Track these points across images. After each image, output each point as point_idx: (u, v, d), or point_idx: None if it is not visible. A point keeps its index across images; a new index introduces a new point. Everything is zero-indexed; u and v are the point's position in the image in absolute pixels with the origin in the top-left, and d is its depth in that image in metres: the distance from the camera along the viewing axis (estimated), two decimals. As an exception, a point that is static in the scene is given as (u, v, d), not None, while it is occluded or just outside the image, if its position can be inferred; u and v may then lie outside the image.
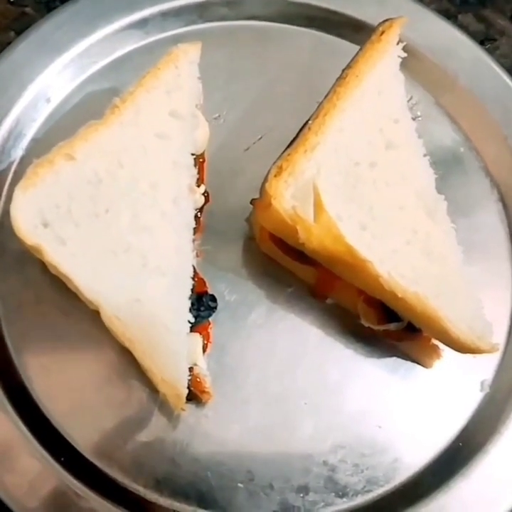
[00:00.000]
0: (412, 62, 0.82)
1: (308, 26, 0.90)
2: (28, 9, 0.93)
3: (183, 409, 0.65)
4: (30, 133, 0.83)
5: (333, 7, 0.89)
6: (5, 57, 0.83)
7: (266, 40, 0.89)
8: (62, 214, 0.68)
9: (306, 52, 0.89)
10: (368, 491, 0.70)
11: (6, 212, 0.72)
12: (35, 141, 0.82)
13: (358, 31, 0.87)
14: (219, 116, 0.84)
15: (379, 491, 0.71)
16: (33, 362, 0.73)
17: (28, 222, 0.67)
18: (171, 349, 0.64)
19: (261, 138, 0.84)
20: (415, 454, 0.72)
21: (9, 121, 0.82)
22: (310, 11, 0.90)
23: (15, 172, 0.80)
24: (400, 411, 0.74)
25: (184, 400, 0.64)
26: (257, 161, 0.80)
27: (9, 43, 0.85)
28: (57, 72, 0.85)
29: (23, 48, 0.84)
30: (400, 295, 0.65)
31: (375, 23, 0.82)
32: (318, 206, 0.67)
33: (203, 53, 0.79)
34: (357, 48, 0.80)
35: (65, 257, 0.66)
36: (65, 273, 0.66)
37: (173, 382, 0.63)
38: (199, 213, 0.75)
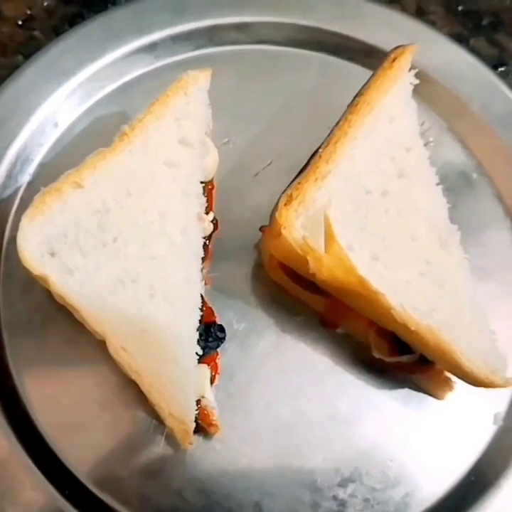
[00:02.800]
0: (424, 87, 0.81)
1: (319, 50, 0.89)
2: (36, 33, 0.93)
3: (190, 444, 0.64)
4: (37, 158, 0.82)
5: (344, 32, 0.89)
6: (13, 81, 0.83)
7: (276, 64, 0.89)
8: (69, 243, 0.67)
9: (316, 76, 0.88)
10: (378, 529, 0.69)
11: (13, 238, 0.72)
12: (42, 166, 0.82)
13: (369, 56, 0.87)
14: (228, 141, 0.84)
15: (390, 528, 0.69)
16: (36, 390, 0.72)
17: (35, 251, 0.66)
18: (179, 382, 0.63)
19: (270, 163, 0.83)
20: (427, 488, 0.71)
21: (17, 146, 0.81)
22: (321, 35, 0.89)
23: (22, 198, 0.80)
24: (411, 444, 0.72)
25: (192, 435, 0.63)
26: (266, 187, 0.80)
27: (17, 67, 0.85)
28: (65, 96, 0.84)
29: (31, 71, 0.84)
30: (412, 328, 0.64)
31: (386, 48, 0.81)
32: (329, 236, 0.66)
33: (212, 77, 0.78)
34: (368, 72, 0.79)
35: (72, 287, 0.66)
36: (72, 303, 0.65)
37: (181, 416, 0.62)
38: (207, 241, 0.74)
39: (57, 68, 0.84)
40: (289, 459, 0.71)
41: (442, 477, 0.71)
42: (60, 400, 0.71)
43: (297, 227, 0.68)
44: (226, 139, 0.83)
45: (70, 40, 0.86)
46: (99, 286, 0.66)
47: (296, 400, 0.73)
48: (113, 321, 0.65)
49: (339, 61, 0.89)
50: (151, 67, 0.87)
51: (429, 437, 0.73)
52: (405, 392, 0.74)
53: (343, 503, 0.69)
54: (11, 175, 0.80)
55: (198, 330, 0.66)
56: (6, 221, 0.79)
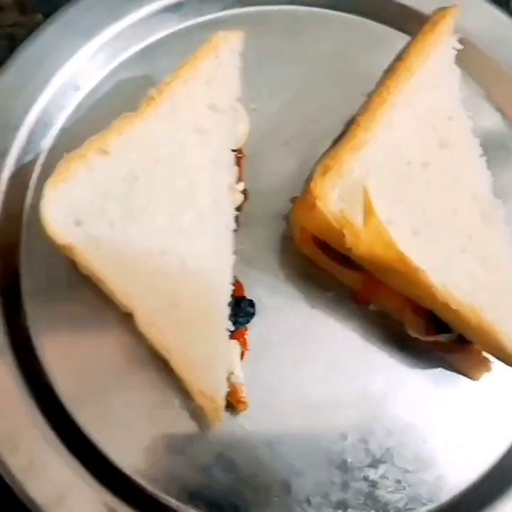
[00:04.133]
0: (462, 53, 0.77)
1: (353, 13, 0.85)
2: (56, -10, 0.88)
3: (220, 422, 0.61)
4: (58, 122, 0.79)
5: (381, -7, 0.84)
6: (32, 42, 0.79)
7: (308, 26, 0.84)
8: (95, 212, 0.64)
9: (351, 40, 0.84)
10: (410, 510, 0.67)
11: (34, 206, 0.70)
12: (64, 131, 0.78)
13: (405, 19, 0.82)
14: (256, 107, 0.79)
15: (421, 510, 0.67)
16: (57, 360, 0.70)
17: (59, 220, 0.63)
18: (209, 359, 0.61)
19: (301, 130, 0.79)
20: (461, 472, 0.69)
21: (36, 109, 0.78)
22: (356, -4, 0.84)
23: (43, 164, 0.77)
24: (445, 425, 0.70)
25: (222, 412, 0.61)
26: (297, 155, 0.77)
27: (36, 26, 0.81)
28: (86, 58, 0.80)
29: (51, 32, 0.80)
30: (454, 307, 0.61)
31: (424, 11, 0.77)
32: (367, 209, 0.63)
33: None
34: (404, 36, 0.76)
35: (98, 258, 0.63)
36: (98, 275, 0.62)
37: (211, 394, 0.60)
38: (237, 212, 0.71)
39: (79, 28, 0.80)
40: (319, 438, 0.69)
41: (477, 460, 0.69)
42: (82, 371, 0.69)
43: (333, 199, 0.64)
44: (254, 106, 0.79)
45: (92, -2, 0.81)
46: (127, 258, 0.63)
47: (326, 377, 0.71)
48: (141, 295, 0.62)
49: (375, 24, 0.85)
50: (177, 27, 0.83)
51: (463, 419, 0.70)
52: (439, 372, 0.71)
53: (373, 484, 0.68)
54: (31, 140, 0.77)
55: (229, 305, 0.63)
56: (27, 188, 0.76)
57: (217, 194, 0.66)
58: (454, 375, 0.71)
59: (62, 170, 0.64)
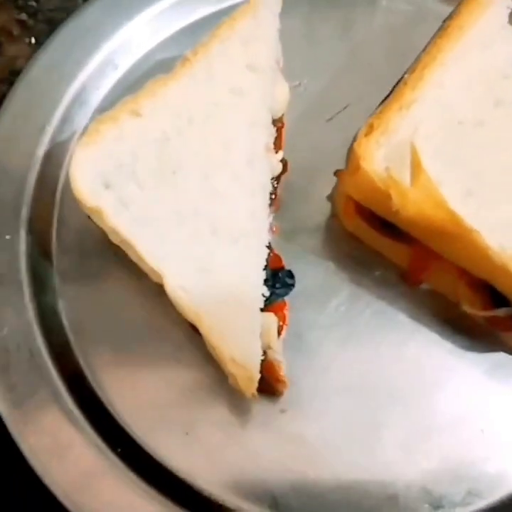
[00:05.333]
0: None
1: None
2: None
3: (254, 396, 0.56)
4: (95, 101, 0.77)
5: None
6: (71, 22, 0.78)
7: (356, 2, 0.81)
8: (125, 175, 0.61)
9: (397, 16, 0.80)
10: (468, 504, 0.60)
11: (67, 184, 0.67)
12: (100, 109, 0.76)
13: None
14: (299, 84, 0.76)
15: (480, 505, 0.60)
16: (89, 340, 0.66)
17: (89, 182, 0.61)
18: (243, 325, 0.56)
19: (346, 108, 0.76)
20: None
21: (74, 87, 0.76)
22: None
23: (78, 143, 0.74)
24: (505, 415, 0.63)
25: (256, 383, 0.56)
26: (340, 133, 0.72)
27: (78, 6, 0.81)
28: (125, 37, 0.79)
29: (91, 12, 0.79)
30: (513, 270, 0.55)
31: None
32: (415, 168, 0.59)
33: (283, 16, 0.71)
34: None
35: (127, 221, 0.60)
36: (127, 239, 0.59)
37: (245, 362, 0.55)
38: (276, 182, 0.67)
39: (118, 8, 0.79)
40: (366, 427, 0.63)
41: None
42: (114, 349, 0.66)
43: (378, 159, 0.60)
44: (297, 82, 0.76)
45: (133, -21, 0.80)
46: (157, 221, 0.60)
47: (372, 362, 0.65)
48: (171, 258, 0.59)
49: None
50: (219, 7, 0.81)
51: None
52: (498, 356, 0.65)
53: (428, 476, 0.61)
54: (67, 118, 0.75)
55: (264, 269, 0.59)
56: (61, 167, 0.74)
57: (253, 155, 0.62)
58: (515, 360, 0.65)
59: (93, 131, 0.62)
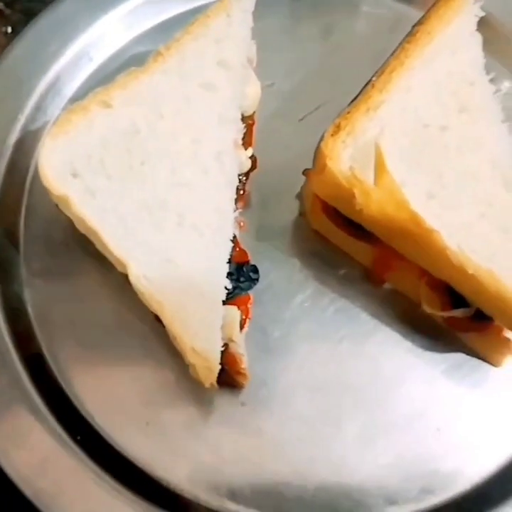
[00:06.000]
0: (483, 19, 0.72)
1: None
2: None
3: (213, 386, 0.57)
4: (69, 92, 0.78)
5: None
6: (50, 11, 0.79)
7: (328, 4, 0.83)
8: (93, 164, 0.62)
9: (371, 19, 0.82)
10: (421, 500, 0.61)
11: (37, 174, 0.67)
12: (73, 100, 0.75)
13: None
14: (273, 83, 0.78)
15: (434, 501, 0.61)
16: (52, 329, 0.67)
17: (57, 170, 0.62)
18: (205, 316, 0.57)
19: (318, 108, 0.77)
20: (477, 464, 0.63)
21: (49, 77, 0.77)
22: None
23: (49, 132, 0.75)
24: (462, 414, 0.64)
25: (215, 373, 0.56)
26: (311, 133, 0.72)
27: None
28: (102, 30, 0.80)
29: (69, 3, 0.80)
30: (470, 271, 0.57)
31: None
32: (380, 168, 0.60)
33: (259, 16, 0.72)
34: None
35: (93, 210, 0.61)
36: (93, 227, 0.60)
37: (205, 352, 0.56)
38: (245, 178, 0.68)
39: (96, 1, 0.80)
40: (324, 421, 0.64)
41: (495, 452, 0.63)
42: (79, 340, 0.66)
43: (344, 159, 0.61)
44: (271, 82, 0.77)
45: (111, -28, 0.81)
46: (123, 211, 0.61)
47: (334, 358, 0.66)
48: (135, 248, 0.59)
49: (397, 4, 0.82)
50: (192, 5, 0.82)
51: (481, 407, 0.65)
52: (457, 356, 0.66)
53: (383, 472, 0.62)
54: (40, 108, 0.76)
55: (228, 262, 0.60)
56: (31, 156, 0.74)
57: (222, 150, 0.63)
58: (474, 360, 0.66)
59: (63, 121, 0.63)
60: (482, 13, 0.69)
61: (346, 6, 0.83)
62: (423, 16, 0.69)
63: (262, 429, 0.63)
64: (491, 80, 0.66)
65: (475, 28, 0.69)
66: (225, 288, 0.59)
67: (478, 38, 0.68)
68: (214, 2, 0.75)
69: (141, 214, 0.60)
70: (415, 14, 0.78)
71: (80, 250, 0.68)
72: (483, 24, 0.70)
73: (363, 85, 0.68)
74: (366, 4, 0.83)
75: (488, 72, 0.67)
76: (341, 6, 0.83)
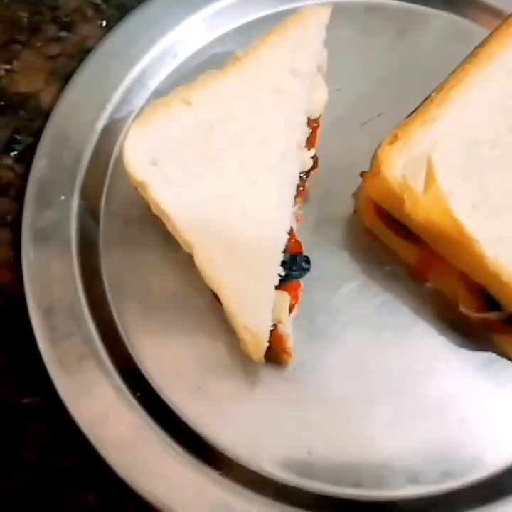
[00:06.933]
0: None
1: (445, 9, 0.88)
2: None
3: (260, 361, 0.64)
4: (153, 85, 0.85)
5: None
6: (142, 9, 0.86)
7: (399, 19, 0.87)
8: (171, 155, 0.69)
9: (439, 35, 0.86)
10: (441, 482, 0.67)
11: (118, 158, 0.77)
12: (156, 93, 0.84)
13: (495, 17, 0.84)
14: (340, 88, 0.83)
15: (453, 484, 0.66)
16: (127, 303, 0.74)
17: (139, 158, 0.68)
18: (258, 298, 0.63)
19: (380, 114, 0.82)
20: (496, 455, 0.68)
21: (136, 71, 0.84)
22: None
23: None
24: (486, 409, 0.69)
25: (263, 350, 0.63)
26: (372, 136, 0.77)
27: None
28: (187, 30, 0.86)
29: (160, 2, 0.87)
30: (504, 279, 0.62)
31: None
32: (429, 178, 0.65)
33: (334, 26, 0.77)
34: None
35: (168, 196, 0.67)
36: (166, 212, 0.67)
37: (255, 330, 0.62)
38: (305, 176, 0.74)
39: (184, 2, 0.87)
40: (358, 404, 0.69)
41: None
42: (144, 308, 0.74)
43: (398, 167, 0.66)
44: (339, 87, 0.82)
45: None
46: (194, 198, 0.67)
47: (374, 346, 0.72)
48: (202, 232, 0.66)
49: (463, 20, 0.87)
50: (275, 10, 0.88)
51: (505, 404, 0.70)
52: (487, 356, 0.71)
53: (407, 454, 0.68)
54: (126, 99, 0.83)
55: (283, 252, 0.66)
56: (115, 142, 0.81)
57: (286, 150, 0.69)
58: (503, 360, 0.71)
59: (148, 114, 0.70)
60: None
61: (418, 19, 0.88)
62: (485, 40, 0.73)
63: (300, 405, 0.69)
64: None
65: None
66: (279, 275, 0.65)
67: (535, 64, 0.72)
68: (294, 8, 0.81)
69: (210, 202, 0.67)
70: (482, 32, 0.83)
71: (152, 229, 0.74)
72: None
73: (423, 98, 0.73)
74: (437, 20, 0.87)
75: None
76: (413, 19, 0.88)
